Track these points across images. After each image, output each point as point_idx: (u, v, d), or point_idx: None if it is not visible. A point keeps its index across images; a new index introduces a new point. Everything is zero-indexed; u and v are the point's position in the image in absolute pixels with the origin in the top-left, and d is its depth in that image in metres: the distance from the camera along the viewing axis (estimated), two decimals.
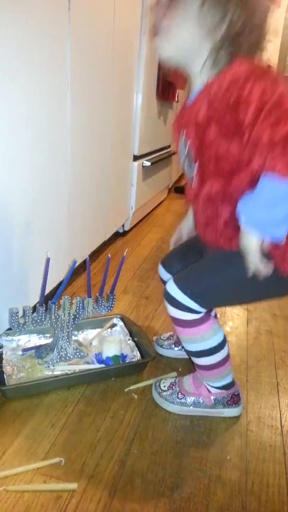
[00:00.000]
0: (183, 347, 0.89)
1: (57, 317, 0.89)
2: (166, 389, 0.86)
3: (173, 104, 2.23)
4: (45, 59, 0.90)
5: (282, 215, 0.60)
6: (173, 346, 1.02)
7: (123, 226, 1.83)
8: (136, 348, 0.99)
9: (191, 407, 0.84)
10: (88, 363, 0.93)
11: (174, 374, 0.95)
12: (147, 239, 1.85)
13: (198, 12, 0.62)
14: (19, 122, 0.85)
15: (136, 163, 1.76)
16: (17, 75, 0.81)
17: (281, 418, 0.85)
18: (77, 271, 1.35)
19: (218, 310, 1.26)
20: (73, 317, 0.90)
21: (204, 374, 0.84)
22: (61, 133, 1.05)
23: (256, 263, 0.64)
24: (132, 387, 0.89)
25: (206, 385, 0.85)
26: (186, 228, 0.95)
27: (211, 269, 0.76)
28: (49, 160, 1.00)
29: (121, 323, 1.07)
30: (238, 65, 0.62)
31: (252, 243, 0.63)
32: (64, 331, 0.91)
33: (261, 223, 0.62)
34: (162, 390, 0.86)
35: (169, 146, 2.38)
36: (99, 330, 1.04)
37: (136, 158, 1.77)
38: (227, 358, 0.81)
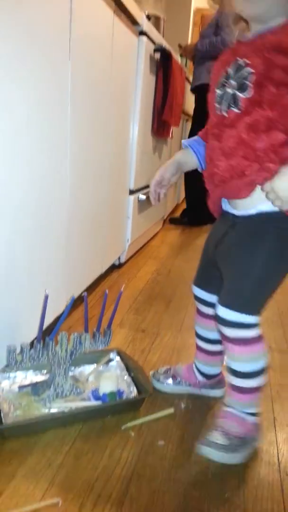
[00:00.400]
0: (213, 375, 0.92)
1: (54, 353, 0.89)
2: (228, 441, 0.81)
3: (167, 140, 2.29)
4: (44, 98, 0.94)
5: None
6: (171, 380, 1.03)
7: (119, 258, 1.85)
8: (133, 384, 0.99)
9: (249, 447, 0.83)
10: (84, 399, 0.93)
11: (171, 410, 0.95)
12: (143, 271, 1.87)
13: None
14: (18, 170, 0.88)
15: (132, 197, 1.80)
16: (13, 113, 0.84)
17: (278, 454, 0.85)
18: (74, 303, 1.36)
19: None
20: (70, 353, 0.91)
21: (247, 399, 0.83)
22: (60, 171, 1.08)
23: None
24: (129, 424, 0.89)
25: (246, 417, 0.84)
26: (169, 171, 0.94)
27: (247, 274, 0.77)
28: (46, 195, 1.03)
29: (118, 358, 1.08)
30: None
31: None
32: (61, 367, 0.91)
33: None
34: (222, 444, 0.81)
35: None
36: (95, 365, 1.04)
37: (132, 192, 1.81)
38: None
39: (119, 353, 1.09)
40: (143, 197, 1.91)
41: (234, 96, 0.72)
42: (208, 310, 0.93)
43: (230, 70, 0.73)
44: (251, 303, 0.78)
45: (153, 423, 0.91)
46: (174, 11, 3.92)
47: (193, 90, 2.76)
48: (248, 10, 0.72)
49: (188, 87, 2.82)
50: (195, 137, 0.92)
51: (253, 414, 0.85)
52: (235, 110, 0.72)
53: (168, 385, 1.02)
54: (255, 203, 0.75)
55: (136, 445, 0.84)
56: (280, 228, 0.75)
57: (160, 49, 1.81)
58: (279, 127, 0.68)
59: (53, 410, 0.88)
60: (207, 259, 0.90)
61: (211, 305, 0.90)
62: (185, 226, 2.81)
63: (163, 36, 2.47)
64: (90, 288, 1.55)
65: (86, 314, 0.93)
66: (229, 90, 0.73)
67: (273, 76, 0.67)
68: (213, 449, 0.80)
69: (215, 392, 1.02)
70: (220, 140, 0.75)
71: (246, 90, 0.70)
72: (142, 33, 1.62)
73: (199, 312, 0.96)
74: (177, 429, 0.90)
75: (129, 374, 1.02)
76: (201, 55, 2.62)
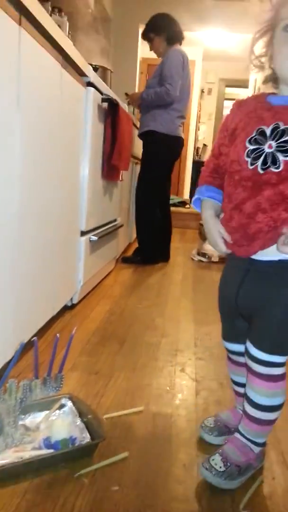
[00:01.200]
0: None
1: (3, 401, 0.87)
2: (224, 468, 0.86)
3: (117, 183, 2.37)
4: None
5: None
6: (221, 432, 1.02)
7: (71, 299, 1.85)
8: (86, 429, 0.97)
9: (246, 475, 0.88)
10: (36, 448, 0.90)
11: (126, 454, 0.94)
12: (96, 312, 1.87)
13: None
14: None
15: (83, 238, 1.83)
16: None
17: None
18: (24, 348, 1.33)
19: (168, 383, 1.28)
20: (19, 401, 0.89)
21: (259, 430, 0.89)
22: (7, 211, 1.09)
23: None
24: (82, 471, 0.87)
25: (251, 446, 0.89)
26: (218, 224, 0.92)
27: (276, 321, 0.82)
28: None
29: (70, 403, 1.06)
30: None
31: None
32: (11, 416, 0.89)
33: None
34: (219, 470, 0.86)
35: (115, 220, 2.49)
36: (46, 412, 1.02)
37: (83, 233, 1.83)
38: None
39: (71, 398, 1.07)
40: (94, 238, 1.93)
41: (273, 156, 0.77)
42: (241, 358, 0.95)
43: (268, 131, 0.78)
44: (282, 346, 0.84)
45: (107, 468, 0.89)
46: (121, 62, 4.14)
47: (141, 136, 2.89)
48: (280, 67, 0.79)
49: (136, 132, 2.94)
50: (204, 187, 0.93)
51: (260, 444, 0.90)
52: (275, 169, 0.77)
53: (220, 438, 1.01)
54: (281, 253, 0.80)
55: (89, 493, 0.82)
56: None
57: (107, 99, 1.90)
58: None
59: (3, 462, 0.85)
60: (230, 310, 0.92)
61: (242, 353, 0.93)
62: (137, 265, 2.85)
63: (110, 86, 2.59)
64: (42, 331, 1.53)
65: (36, 360, 0.92)
66: (267, 149, 0.78)
67: None
68: (210, 473, 0.86)
69: None
70: (257, 194, 0.79)
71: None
72: (89, 84, 1.70)
73: (236, 363, 0.98)
74: (131, 474, 0.89)
75: (82, 420, 1.01)
76: (147, 104, 2.77)
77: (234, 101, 0.89)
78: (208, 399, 1.21)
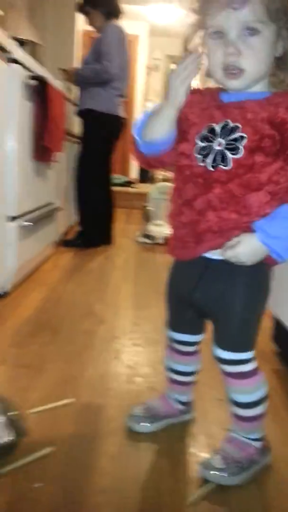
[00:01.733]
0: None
1: None
2: (225, 466, 0.85)
3: (51, 164, 2.27)
4: None
5: None
6: (150, 421, 1.01)
7: (2, 287, 1.77)
8: (8, 426, 0.93)
9: (250, 471, 0.87)
10: None
11: (50, 449, 0.91)
12: (30, 300, 1.80)
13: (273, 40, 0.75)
14: None
15: (13, 224, 1.74)
16: None
17: None
18: None
19: (101, 372, 1.26)
20: None
21: (250, 426, 0.90)
22: None
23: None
24: (2, 471, 0.83)
25: (249, 442, 0.89)
26: None
27: (235, 318, 0.84)
28: None
29: None
30: None
31: (253, 255, 0.76)
32: None
33: (277, 244, 0.75)
34: (219, 467, 0.85)
35: (52, 203, 2.40)
36: None
37: (13, 218, 1.75)
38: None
39: None
40: (27, 223, 1.85)
41: (223, 154, 0.77)
42: (188, 348, 0.97)
43: (217, 128, 0.78)
44: (245, 343, 0.86)
45: (31, 465, 0.86)
46: (57, 35, 3.94)
47: (79, 114, 2.79)
48: (231, 86, 0.78)
49: (73, 110, 2.84)
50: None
51: (257, 439, 0.90)
52: (224, 167, 0.77)
53: (148, 426, 1.00)
54: None
55: (8, 492, 0.79)
56: (253, 268, 0.79)
57: (35, 76, 1.79)
58: (266, 188, 0.75)
59: None
60: (181, 303, 0.92)
61: (191, 343, 0.96)
62: (79, 249, 2.79)
63: (42, 62, 2.46)
64: None
65: None
66: (216, 147, 0.77)
67: (264, 146, 0.74)
68: (211, 471, 0.85)
69: (188, 416, 1.06)
70: (206, 191, 0.79)
71: (237, 152, 0.75)
72: (12, 60, 1.59)
73: (179, 351, 0.98)
74: (56, 469, 0.86)
75: (4, 416, 0.96)
76: (84, 81, 2.67)
77: (192, 89, 0.83)
78: (142, 386, 1.21)
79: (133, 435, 1.00)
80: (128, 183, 5.78)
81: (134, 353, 1.41)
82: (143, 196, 4.26)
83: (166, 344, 1.01)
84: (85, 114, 2.73)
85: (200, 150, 0.80)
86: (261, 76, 0.77)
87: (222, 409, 1.11)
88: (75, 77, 2.72)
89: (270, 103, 0.75)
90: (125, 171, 6.37)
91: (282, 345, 1.41)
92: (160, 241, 3.12)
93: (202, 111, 0.81)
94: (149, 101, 7.05)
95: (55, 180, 2.45)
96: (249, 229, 0.77)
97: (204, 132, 0.80)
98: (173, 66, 6.79)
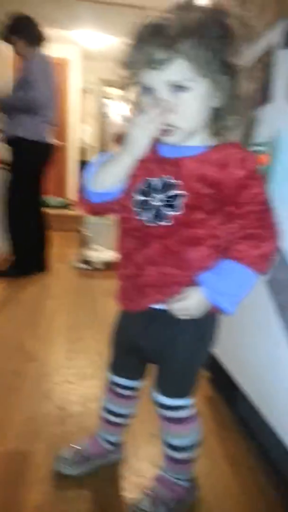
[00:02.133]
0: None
1: None
2: (153, 508, 0.87)
3: None
4: None
5: (241, 297, 0.77)
6: (80, 463, 1.01)
7: None
8: None
9: (180, 509, 0.91)
10: None
11: None
12: None
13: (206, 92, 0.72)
14: None
15: None
16: None
17: None
18: None
19: (31, 415, 1.22)
20: None
21: (180, 468, 0.92)
22: None
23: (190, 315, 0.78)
24: None
25: (177, 482, 0.92)
26: None
27: (177, 367, 0.85)
28: None
29: None
30: (240, 150, 0.75)
31: (200, 309, 0.77)
32: None
33: (224, 300, 0.76)
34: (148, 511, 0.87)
35: None
36: None
37: None
38: None
39: None
40: None
41: (159, 211, 0.76)
42: (127, 392, 0.98)
43: (155, 184, 0.77)
44: (184, 390, 0.87)
45: None
46: None
47: (7, 141, 2.74)
48: (167, 141, 0.75)
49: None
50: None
51: (186, 480, 0.93)
52: (163, 223, 0.76)
53: (75, 469, 0.99)
54: None
55: None
56: (195, 318, 0.79)
57: None
58: (207, 243, 0.76)
59: None
60: (125, 349, 0.93)
61: (131, 388, 0.98)
62: (11, 278, 2.71)
63: None
64: None
65: None
66: (154, 203, 0.77)
67: (202, 204, 0.74)
68: None
69: (117, 456, 1.07)
70: (144, 246, 0.79)
71: (175, 209, 0.75)
72: None
73: (116, 394, 0.99)
74: None
75: None
76: (11, 108, 2.64)
77: None
78: (72, 427, 1.19)
79: (61, 482, 0.98)
80: (66, 206, 5.72)
81: (65, 391, 1.39)
82: (81, 218, 4.23)
83: (106, 385, 1.01)
84: (13, 142, 2.69)
85: (138, 204, 0.79)
86: (197, 129, 0.76)
87: (153, 444, 1.13)
88: (0, 105, 2.68)
89: (206, 160, 0.74)
90: (62, 193, 6.32)
91: (214, 371, 1.45)
92: (99, 266, 3.11)
93: (141, 163, 0.77)
94: (87, 124, 7.10)
95: None
96: (192, 283, 0.77)
97: (142, 186, 0.78)
98: (107, 89, 6.92)
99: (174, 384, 0.87)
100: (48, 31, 2.78)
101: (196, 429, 0.91)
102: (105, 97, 7.31)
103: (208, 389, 1.42)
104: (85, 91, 6.86)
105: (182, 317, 0.78)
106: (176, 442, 0.90)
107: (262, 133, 1.10)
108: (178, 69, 0.69)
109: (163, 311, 0.80)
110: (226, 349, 1.31)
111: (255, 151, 1.12)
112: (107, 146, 7.38)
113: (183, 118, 0.72)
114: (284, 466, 0.99)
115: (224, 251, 0.77)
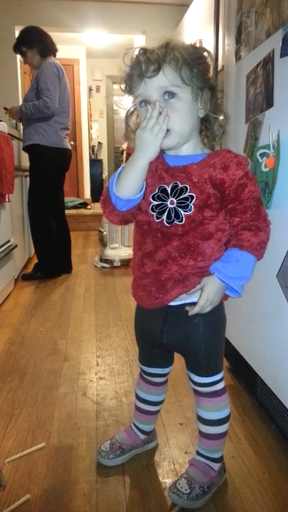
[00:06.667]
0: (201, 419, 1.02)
1: None
2: (189, 490, 0.96)
3: (4, 204, 2.32)
4: None
5: (247, 280, 0.89)
6: (117, 454, 1.10)
7: None
8: None
9: (210, 493, 0.99)
10: None
11: (27, 497, 0.98)
12: None
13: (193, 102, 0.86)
14: None
15: None
16: None
17: None
18: None
19: (69, 412, 1.32)
20: None
21: (218, 444, 1.02)
22: None
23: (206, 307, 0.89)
24: None
25: (211, 465, 1.01)
26: None
27: (204, 351, 0.95)
28: None
29: None
30: (235, 154, 0.87)
31: (219, 294, 0.89)
32: None
33: (235, 283, 0.87)
34: (185, 493, 0.96)
35: (8, 241, 2.45)
36: None
37: None
38: None
39: None
40: None
41: (176, 212, 0.87)
42: (157, 379, 1.09)
43: (169, 189, 0.88)
44: (215, 367, 0.99)
45: None
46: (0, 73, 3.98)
47: (25, 149, 2.85)
48: (163, 146, 0.86)
49: (18, 145, 2.91)
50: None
51: (218, 459, 1.03)
52: (179, 222, 0.87)
53: (116, 460, 1.10)
54: (191, 296, 0.91)
55: None
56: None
57: None
58: (215, 236, 0.87)
59: None
60: (152, 343, 1.02)
61: (161, 375, 1.08)
62: (39, 281, 2.84)
63: None
64: None
65: None
66: (169, 205, 0.88)
67: (210, 203, 0.86)
68: (177, 496, 0.96)
69: (152, 444, 1.17)
70: (165, 244, 0.89)
71: (188, 209, 0.86)
72: None
73: (149, 382, 1.10)
74: None
75: None
76: (27, 117, 2.74)
77: None
78: (108, 421, 1.29)
79: (103, 471, 1.08)
80: (83, 204, 5.82)
81: (99, 387, 1.49)
82: (99, 216, 4.32)
83: (139, 375, 1.12)
84: (31, 149, 2.80)
85: (155, 208, 0.90)
86: (189, 135, 0.88)
87: (182, 433, 1.22)
88: (18, 114, 2.79)
89: (208, 164, 0.86)
90: (79, 193, 6.43)
91: (233, 362, 1.53)
92: (118, 264, 3.22)
93: (153, 173, 0.90)
94: (95, 122, 7.17)
95: (9, 218, 2.49)
96: (205, 273, 0.89)
97: (157, 192, 0.90)
98: (114, 85, 6.96)
99: (204, 367, 0.98)
100: (55, 34, 2.87)
101: (227, 402, 1.01)
102: (113, 94, 7.37)
103: (229, 378, 1.51)
104: (91, 88, 6.93)
105: (207, 311, 0.89)
106: (211, 416, 1.00)
107: (268, 137, 1.16)
108: (167, 77, 0.83)
109: (174, 307, 0.93)
110: (244, 340, 1.40)
111: (261, 154, 1.19)
112: (117, 142, 7.44)
113: (176, 121, 0.84)
114: None
115: (227, 242, 0.90)
